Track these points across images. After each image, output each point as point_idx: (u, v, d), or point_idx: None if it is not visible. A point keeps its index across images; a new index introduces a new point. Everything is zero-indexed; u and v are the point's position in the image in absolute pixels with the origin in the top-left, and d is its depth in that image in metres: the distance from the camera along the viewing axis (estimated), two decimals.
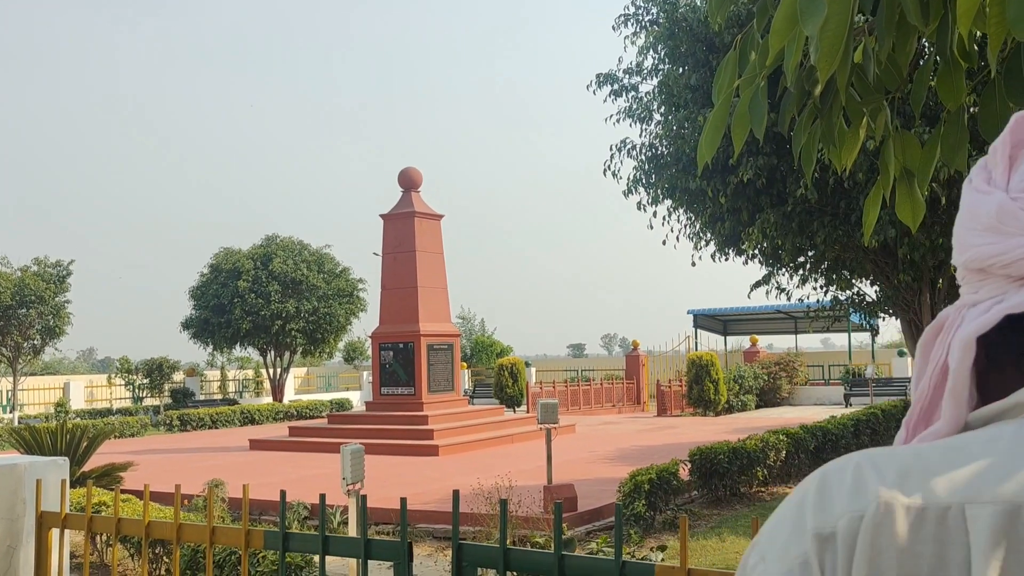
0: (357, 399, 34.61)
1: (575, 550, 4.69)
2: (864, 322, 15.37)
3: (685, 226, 12.38)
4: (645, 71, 10.42)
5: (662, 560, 4.57)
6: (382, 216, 21.33)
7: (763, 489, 13.01)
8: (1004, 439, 0.68)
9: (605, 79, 10.68)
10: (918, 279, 8.76)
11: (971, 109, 2.35)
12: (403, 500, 2.78)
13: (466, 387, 34.19)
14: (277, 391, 34.57)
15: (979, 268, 0.75)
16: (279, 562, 3.07)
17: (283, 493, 3.07)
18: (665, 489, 11.01)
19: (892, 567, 0.65)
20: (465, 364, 37.90)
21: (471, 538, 9.67)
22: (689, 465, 12.09)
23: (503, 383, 30.59)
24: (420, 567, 9.04)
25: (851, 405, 27.83)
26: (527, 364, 33.94)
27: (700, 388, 27.62)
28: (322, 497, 2.98)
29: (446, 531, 10.32)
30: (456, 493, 2.70)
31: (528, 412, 25.62)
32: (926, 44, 1.77)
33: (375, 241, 21.68)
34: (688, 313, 38.98)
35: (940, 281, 9.16)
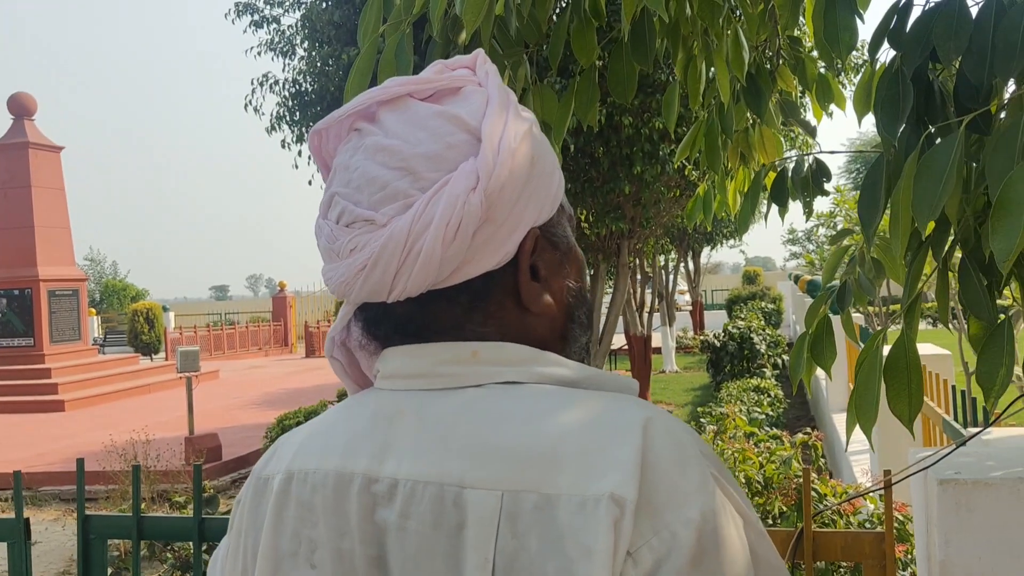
0: None
1: (219, 505, 4.51)
2: None
3: None
4: (288, 3, 10.04)
5: None
6: None
7: None
8: (326, 417, 0.89)
9: (244, 8, 10.14)
10: None
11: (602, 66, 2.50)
12: (17, 474, 2.48)
13: (96, 336, 31.65)
14: None
15: None
16: None
17: None
18: None
19: (245, 518, 0.88)
20: (94, 311, 35.01)
21: (104, 499, 9.02)
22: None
23: (138, 330, 28.66)
24: (47, 533, 8.31)
25: None
26: (165, 308, 32.04)
27: None
28: None
29: (75, 492, 9.53)
30: (80, 462, 2.46)
31: (167, 360, 24.29)
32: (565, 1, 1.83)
33: None
34: None
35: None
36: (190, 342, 26.27)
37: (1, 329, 18.31)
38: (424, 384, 0.82)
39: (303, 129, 9.37)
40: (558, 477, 0.71)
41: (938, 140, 1.49)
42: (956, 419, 3.44)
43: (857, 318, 9.62)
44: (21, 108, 19.03)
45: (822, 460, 3.51)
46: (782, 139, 2.88)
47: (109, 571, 4.04)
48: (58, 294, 18.69)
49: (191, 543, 2.39)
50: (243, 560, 0.86)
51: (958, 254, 1.75)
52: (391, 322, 0.85)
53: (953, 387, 3.56)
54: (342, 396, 12.36)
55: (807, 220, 2.50)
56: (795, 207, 2.72)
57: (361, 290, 0.82)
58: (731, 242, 22.70)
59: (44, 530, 8.47)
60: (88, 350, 19.85)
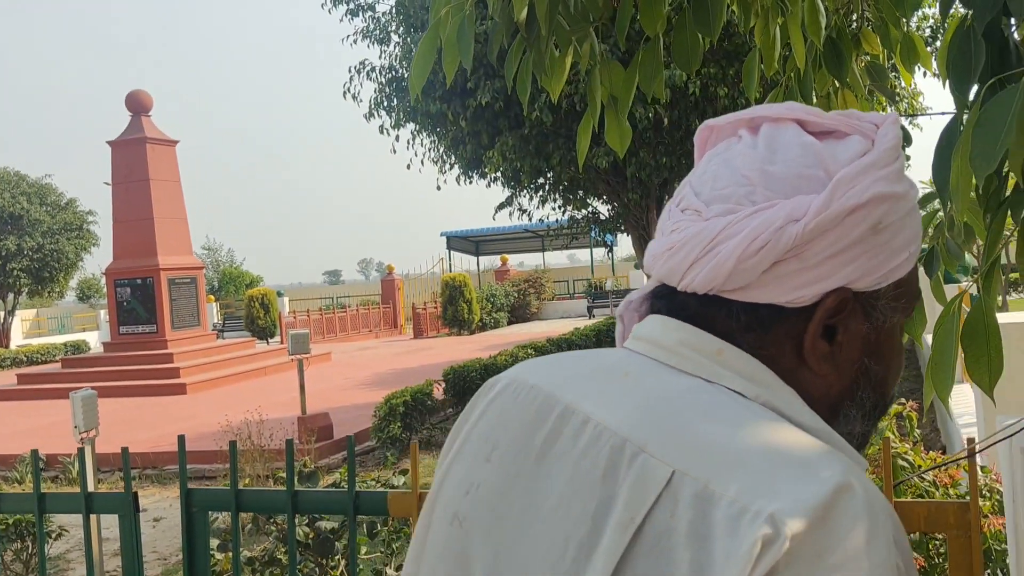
0: (95, 340, 32.45)
1: (320, 482, 4.67)
2: (599, 238, 16.13)
3: (429, 149, 12.43)
4: None
5: (404, 484, 4.66)
6: (110, 143, 19.80)
7: None
8: (567, 353, 0.94)
9: None
10: (645, 196, 9.29)
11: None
12: (124, 450, 2.64)
13: (215, 321, 32.94)
14: (3, 336, 31.72)
15: None
16: None
17: None
18: (420, 410, 11.20)
19: (466, 410, 0.94)
20: (212, 297, 36.45)
21: (222, 476, 9.42)
22: (443, 384, 12.36)
23: (254, 315, 29.70)
24: (170, 510, 8.73)
25: (594, 316, 29.38)
26: (279, 294, 33.10)
27: (455, 308, 28.16)
28: (34, 453, 2.76)
29: (196, 471, 9.98)
30: (182, 439, 2.59)
31: (282, 343, 25.10)
32: None
33: (105, 168, 20.17)
34: (441, 235, 39.38)
35: (665, 198, 9.76)
36: (303, 326, 27.07)
37: (126, 316, 19.27)
38: (660, 356, 0.85)
39: (400, 115, 9.52)
40: (731, 481, 0.70)
41: None
42: None
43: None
44: (138, 105, 19.90)
45: (917, 432, 3.40)
46: (884, 103, 2.79)
47: (216, 543, 4.25)
48: (177, 282, 19.53)
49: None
50: (448, 444, 0.95)
51: None
52: (673, 301, 0.87)
53: None
54: (447, 375, 12.56)
55: None
56: None
57: (662, 268, 0.86)
58: None
59: (168, 507, 8.91)
60: (207, 335, 20.69)
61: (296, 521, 3.16)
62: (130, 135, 19.65)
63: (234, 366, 19.05)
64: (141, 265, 19.13)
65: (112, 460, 10.44)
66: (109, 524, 7.18)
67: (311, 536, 4.20)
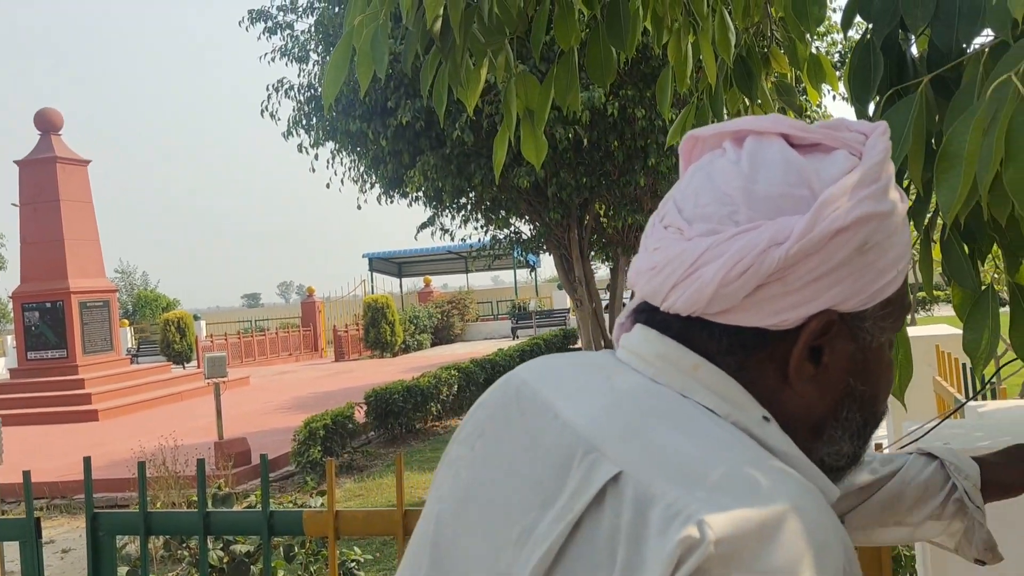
0: (1, 367, 31.26)
1: (234, 504, 4.57)
2: (522, 258, 16.25)
3: (349, 169, 12.37)
4: (300, 9, 10.14)
5: (321, 505, 4.59)
6: (17, 162, 19.16)
7: (437, 424, 13.47)
8: (569, 354, 0.95)
9: (258, 16, 10.26)
10: (567, 216, 9.38)
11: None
12: (26, 474, 2.53)
13: (129, 346, 32.05)
14: None
15: None
16: None
17: None
18: (341, 433, 11.05)
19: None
20: (127, 321, 35.49)
21: (134, 505, 9.14)
22: (365, 407, 12.23)
23: (170, 339, 29.01)
24: (80, 540, 8.42)
25: (518, 337, 29.44)
26: (196, 317, 32.39)
27: (377, 331, 27.94)
28: None
29: (107, 499, 9.67)
30: (87, 460, 2.50)
31: (198, 368, 24.54)
32: None
33: (13, 189, 19.51)
34: (363, 256, 39.05)
35: (586, 218, 9.86)
36: (221, 350, 26.52)
37: (34, 342, 18.59)
38: (639, 365, 0.85)
39: (319, 133, 9.46)
40: (674, 487, 0.70)
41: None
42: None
43: None
44: (47, 123, 19.31)
45: None
46: None
47: (125, 570, 4.10)
48: (89, 305, 18.94)
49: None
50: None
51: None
52: (655, 319, 0.87)
53: (964, 365, 3.54)
54: (369, 397, 12.43)
55: None
56: None
57: (644, 287, 0.86)
58: None
59: (78, 537, 8.59)
60: (120, 360, 20.09)
61: (210, 545, 3.08)
62: (39, 154, 19.03)
63: (149, 391, 18.53)
64: (50, 288, 18.51)
65: (18, 491, 10.03)
66: (14, 558, 6.89)
67: (226, 560, 4.10)
